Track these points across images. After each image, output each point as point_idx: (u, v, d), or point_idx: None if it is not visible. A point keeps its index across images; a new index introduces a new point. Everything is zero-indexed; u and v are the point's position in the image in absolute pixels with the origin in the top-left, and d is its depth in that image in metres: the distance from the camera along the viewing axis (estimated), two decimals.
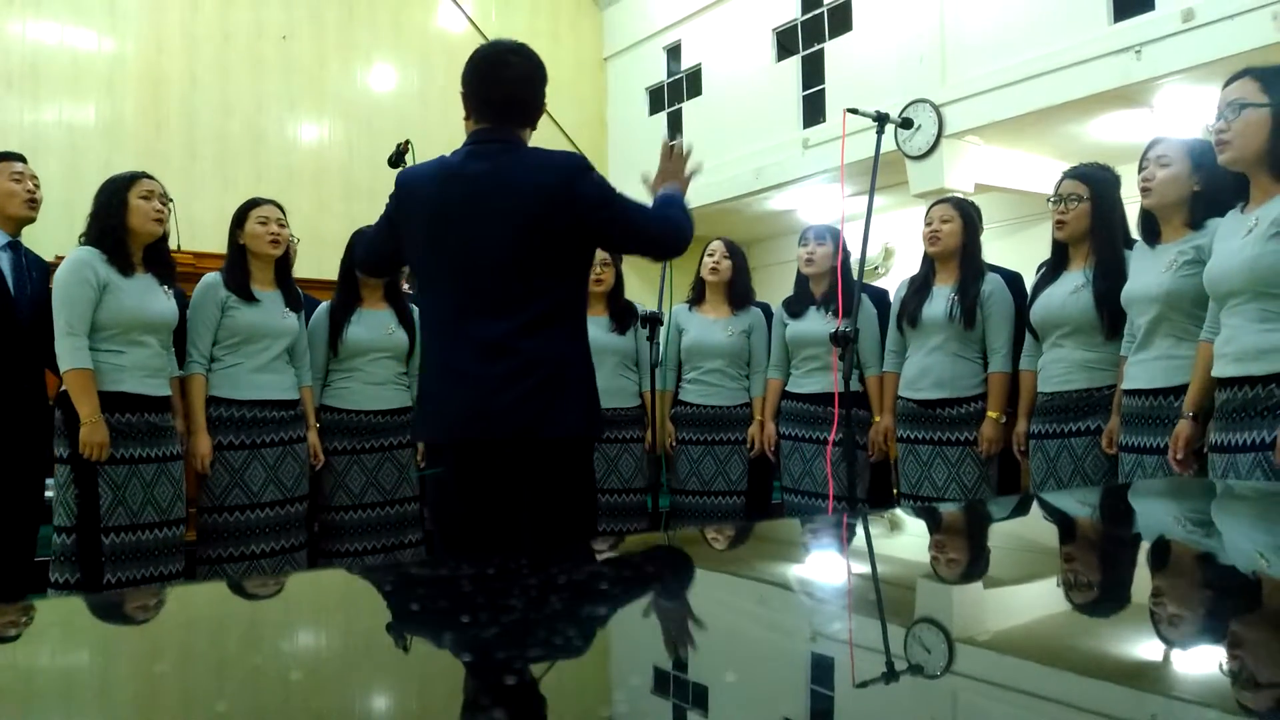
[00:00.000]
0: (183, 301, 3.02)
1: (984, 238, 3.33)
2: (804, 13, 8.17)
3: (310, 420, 3.21)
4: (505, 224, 2.03)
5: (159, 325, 2.81)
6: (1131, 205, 2.74)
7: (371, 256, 2.38)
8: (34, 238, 3.14)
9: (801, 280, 3.60)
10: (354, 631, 0.75)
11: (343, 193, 8.02)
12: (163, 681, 0.60)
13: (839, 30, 7.84)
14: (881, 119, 3.03)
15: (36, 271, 2.97)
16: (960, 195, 5.23)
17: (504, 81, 2.11)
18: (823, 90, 7.92)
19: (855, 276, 3.09)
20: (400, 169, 2.35)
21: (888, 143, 3.54)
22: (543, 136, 2.17)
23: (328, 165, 8.27)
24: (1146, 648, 0.69)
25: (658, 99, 9.71)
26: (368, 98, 8.62)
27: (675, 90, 9.54)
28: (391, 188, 2.22)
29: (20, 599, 2.66)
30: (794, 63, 8.27)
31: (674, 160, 2.32)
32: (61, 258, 2.83)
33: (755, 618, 0.80)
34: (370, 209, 2.44)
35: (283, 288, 3.16)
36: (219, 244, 3.21)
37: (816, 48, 8.07)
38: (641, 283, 6.92)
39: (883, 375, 3.36)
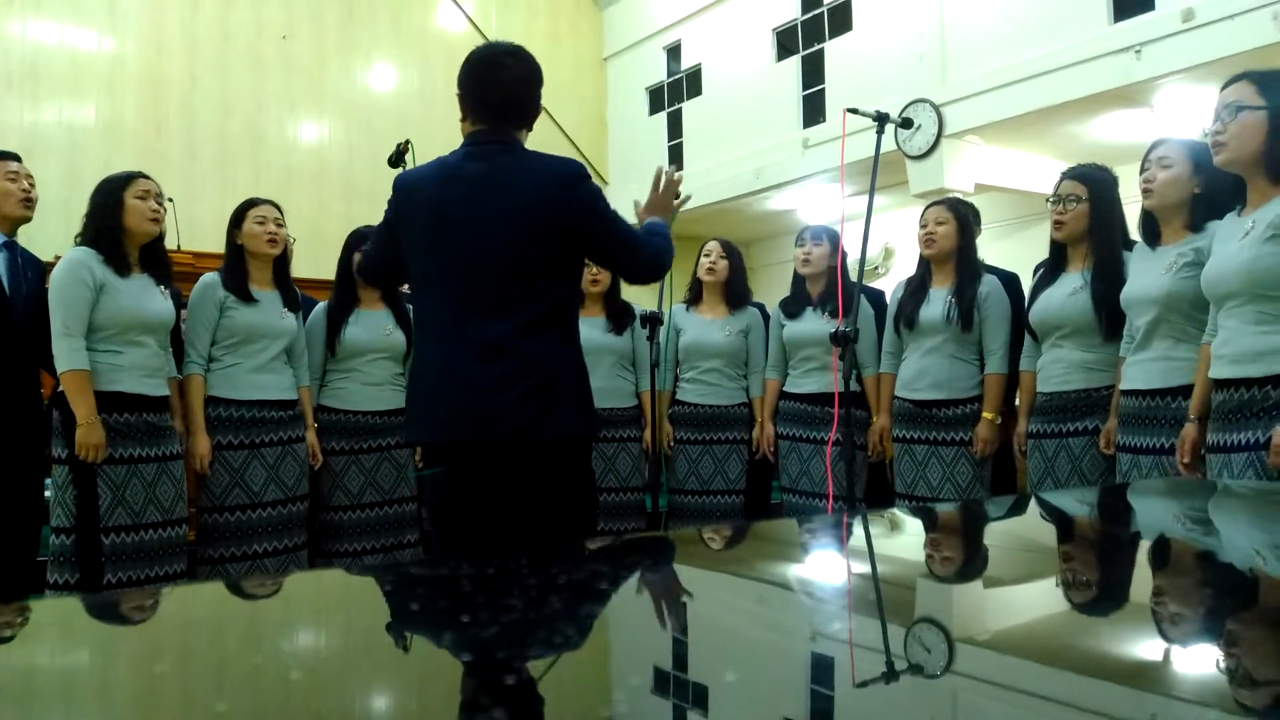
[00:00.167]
0: (180, 302, 3.02)
1: (983, 238, 3.33)
2: (804, 12, 8.17)
3: (309, 420, 3.21)
4: (504, 225, 2.04)
5: (156, 325, 2.81)
6: (1131, 206, 2.74)
7: (376, 264, 2.36)
8: (33, 238, 3.14)
9: (798, 280, 3.60)
10: (354, 631, 0.75)
11: (343, 193, 8.02)
12: (162, 682, 0.60)
13: (839, 30, 7.84)
14: (881, 119, 3.03)
15: (32, 271, 2.97)
16: (959, 195, 5.25)
17: (500, 84, 2.12)
18: (823, 90, 7.92)
19: (855, 277, 3.09)
20: (399, 171, 2.35)
21: (888, 143, 3.54)
22: (542, 136, 2.17)
23: (328, 165, 8.27)
24: (1146, 647, 0.69)
25: (658, 99, 9.71)
26: (368, 98, 8.62)
27: (675, 90, 9.54)
28: (391, 187, 2.23)
29: (20, 600, 2.66)
30: (794, 62, 8.27)
31: (664, 192, 2.36)
32: (60, 258, 2.83)
33: (755, 618, 0.80)
34: (370, 209, 2.45)
35: (281, 288, 3.16)
36: (219, 244, 3.21)
37: (816, 47, 8.08)
38: None
39: (879, 376, 3.36)
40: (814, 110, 8.02)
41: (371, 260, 2.38)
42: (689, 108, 9.29)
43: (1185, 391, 2.42)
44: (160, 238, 2.89)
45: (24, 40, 7.11)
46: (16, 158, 2.96)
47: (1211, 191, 2.41)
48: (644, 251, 2.17)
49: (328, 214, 7.40)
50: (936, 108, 6.66)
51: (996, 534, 1.24)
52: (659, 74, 9.66)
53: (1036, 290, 2.93)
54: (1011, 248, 6.36)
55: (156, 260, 2.87)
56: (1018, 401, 3.13)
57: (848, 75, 7.55)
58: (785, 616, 0.80)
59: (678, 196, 2.38)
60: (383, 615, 0.81)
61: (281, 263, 3.19)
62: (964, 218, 3.21)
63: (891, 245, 8.33)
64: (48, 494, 2.88)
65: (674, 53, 9.50)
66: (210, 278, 3.07)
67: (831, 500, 3.29)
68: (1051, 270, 2.91)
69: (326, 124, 8.43)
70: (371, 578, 1.06)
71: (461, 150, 2.14)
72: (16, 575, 2.83)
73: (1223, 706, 0.54)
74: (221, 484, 3.00)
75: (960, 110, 6.61)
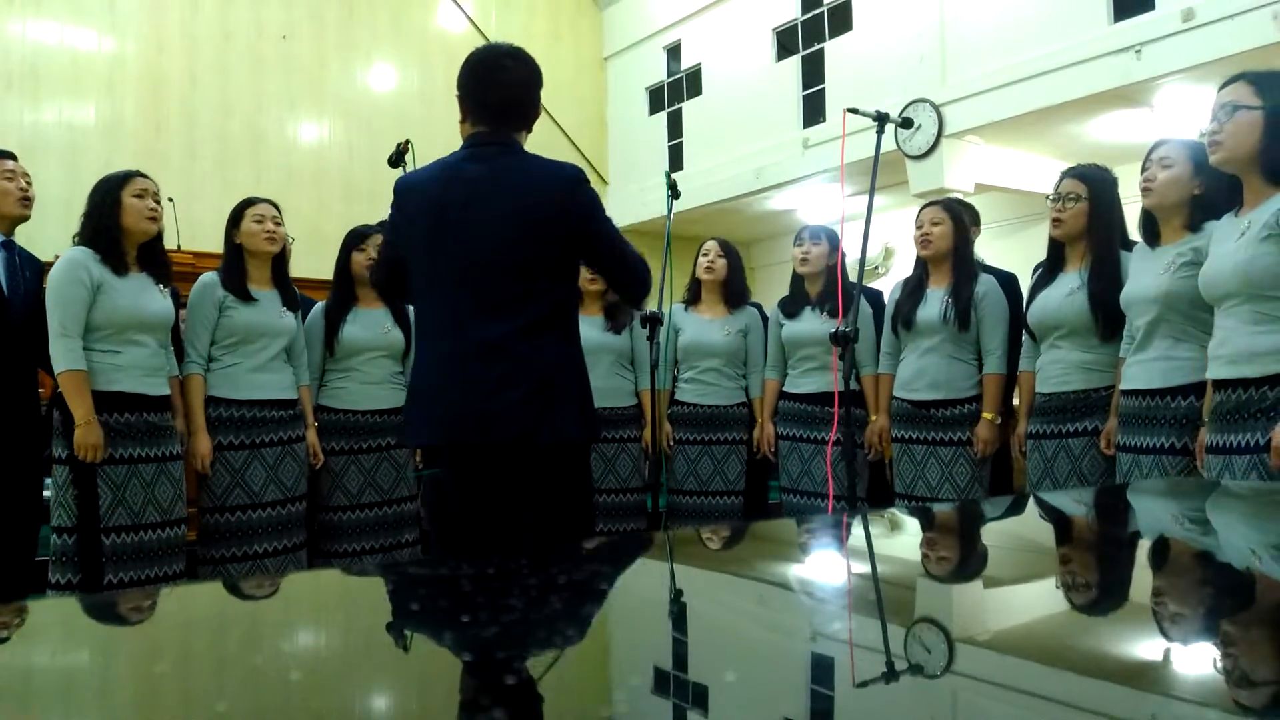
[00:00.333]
0: (180, 301, 3.02)
1: (983, 238, 3.33)
2: (804, 12, 8.17)
3: (309, 419, 3.21)
4: (505, 226, 2.05)
5: (154, 324, 2.81)
6: (1131, 206, 2.74)
7: (385, 272, 2.36)
8: (33, 238, 3.14)
9: (797, 280, 3.60)
10: (354, 631, 0.75)
11: (343, 193, 8.02)
12: (162, 682, 0.60)
13: (839, 30, 7.84)
14: (881, 119, 3.03)
15: (30, 270, 2.96)
16: (959, 195, 5.25)
17: (501, 85, 2.13)
18: (823, 90, 7.92)
19: (855, 277, 3.09)
20: (399, 171, 2.35)
21: (888, 142, 3.54)
22: (542, 136, 2.18)
23: (328, 165, 8.27)
24: (1145, 647, 0.69)
25: (658, 99, 9.71)
26: (368, 98, 8.62)
27: (675, 90, 9.54)
28: (391, 187, 2.23)
29: (19, 600, 2.66)
30: (794, 62, 8.27)
31: None
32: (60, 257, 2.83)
33: (755, 618, 0.80)
34: (370, 209, 2.45)
35: (280, 287, 3.16)
36: (219, 244, 3.20)
37: (816, 47, 8.08)
38: None
39: (878, 376, 3.36)
40: (814, 110, 8.02)
41: (379, 268, 2.40)
42: (689, 108, 9.29)
43: (1185, 391, 2.42)
44: (159, 237, 2.89)
45: (24, 40, 7.11)
46: (12, 156, 2.95)
47: (1211, 193, 2.42)
48: (635, 263, 2.20)
49: (328, 214, 7.39)
50: (936, 108, 6.66)
51: (996, 534, 1.24)
52: (659, 74, 9.65)
53: (1034, 290, 2.93)
54: (1011, 248, 6.37)
55: (155, 259, 2.87)
56: (1016, 401, 3.13)
57: (848, 75, 7.56)
58: (785, 616, 0.80)
59: None
60: (382, 615, 0.81)
61: (280, 262, 3.18)
62: (959, 217, 3.22)
63: (891, 245, 8.33)
64: (46, 494, 2.88)
65: (674, 53, 9.50)
66: (209, 277, 3.07)
67: (832, 500, 3.29)
68: (1049, 270, 2.91)
69: (326, 124, 8.43)
70: (371, 578, 1.06)
71: (462, 152, 2.14)
72: (15, 575, 2.83)
73: (1222, 706, 0.54)
74: (222, 484, 3.00)
75: (960, 110, 6.61)
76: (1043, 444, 2.85)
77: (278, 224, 3.12)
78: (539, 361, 2.04)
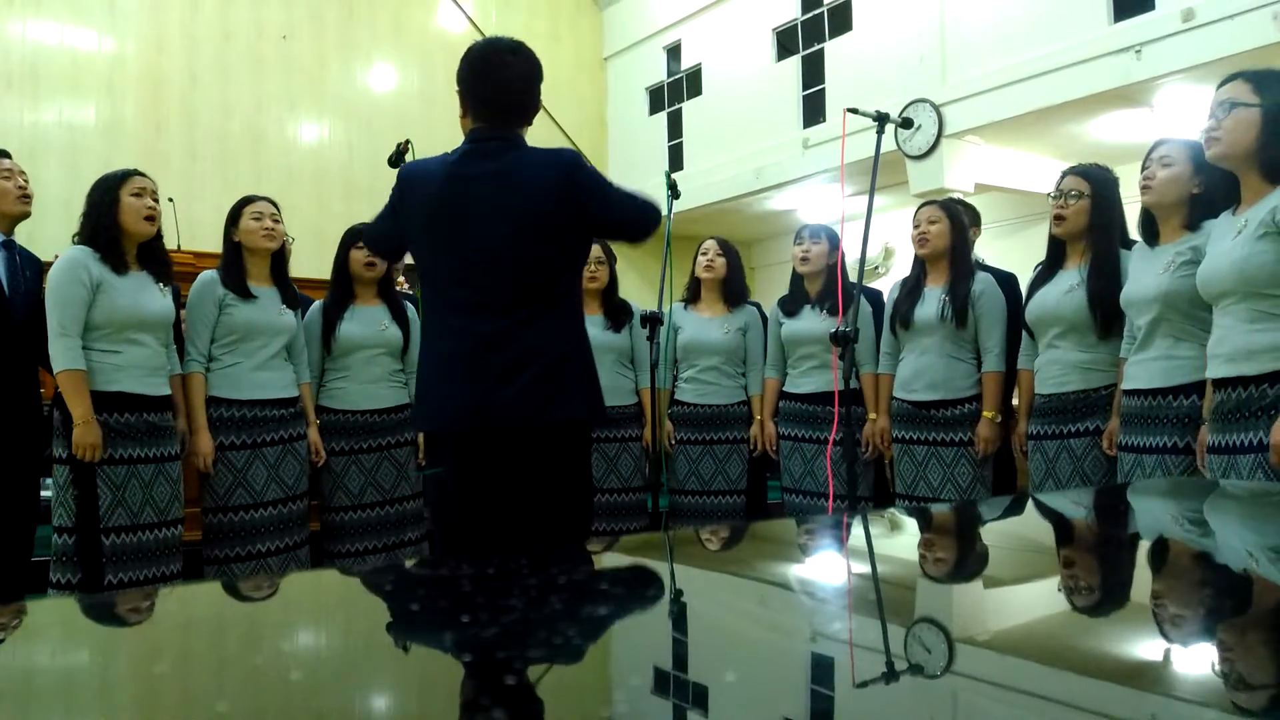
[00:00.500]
0: (180, 300, 3.02)
1: (983, 238, 3.32)
2: (804, 12, 8.18)
3: (310, 417, 3.21)
4: (508, 221, 2.06)
5: (154, 323, 2.81)
6: (1131, 206, 2.74)
7: (379, 236, 2.41)
8: (33, 237, 3.14)
9: (797, 279, 3.61)
10: (354, 631, 0.75)
11: (343, 192, 8.03)
12: (162, 682, 0.60)
13: (839, 30, 7.84)
14: (881, 119, 3.03)
15: (30, 270, 2.96)
16: (960, 195, 5.26)
17: (502, 81, 2.13)
18: (823, 90, 7.93)
19: (855, 277, 3.09)
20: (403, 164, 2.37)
21: (888, 143, 3.54)
22: (542, 136, 2.19)
23: (328, 165, 8.28)
24: (1145, 647, 0.69)
25: (658, 99, 9.71)
26: (368, 98, 8.62)
27: (675, 90, 9.54)
28: (391, 187, 2.24)
29: (19, 600, 2.66)
30: (794, 62, 8.27)
31: None
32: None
33: (755, 618, 0.80)
34: (370, 209, 2.46)
35: (280, 285, 3.16)
36: (219, 244, 3.20)
37: (816, 47, 8.08)
38: (641, 281, 6.93)
39: (877, 376, 3.36)
40: (814, 110, 8.03)
41: (375, 233, 2.43)
42: (689, 108, 9.30)
43: (1187, 390, 2.42)
44: (159, 235, 2.88)
45: (24, 40, 7.12)
46: (6, 155, 2.95)
47: (1210, 192, 2.42)
48: (642, 210, 2.20)
49: (328, 214, 7.39)
50: (936, 108, 6.66)
51: (996, 534, 1.24)
52: (659, 74, 9.66)
53: (1033, 287, 2.93)
54: (1011, 248, 6.37)
55: (155, 258, 2.87)
56: (1015, 400, 3.13)
57: (848, 75, 7.56)
58: (785, 616, 0.80)
59: None
60: (383, 615, 0.81)
61: (280, 261, 3.18)
62: (956, 216, 3.22)
63: (891, 245, 8.33)
64: (45, 494, 2.88)
65: (674, 53, 9.51)
66: (209, 275, 3.07)
67: (832, 500, 3.29)
68: (1048, 268, 2.91)
69: (326, 124, 8.43)
70: (371, 578, 1.06)
71: (463, 147, 2.15)
72: (12, 575, 2.82)
73: (1221, 706, 0.54)
74: (225, 484, 3.00)
75: (960, 110, 6.61)
76: (1044, 445, 2.85)
77: (276, 221, 3.11)
78: (545, 350, 2.06)
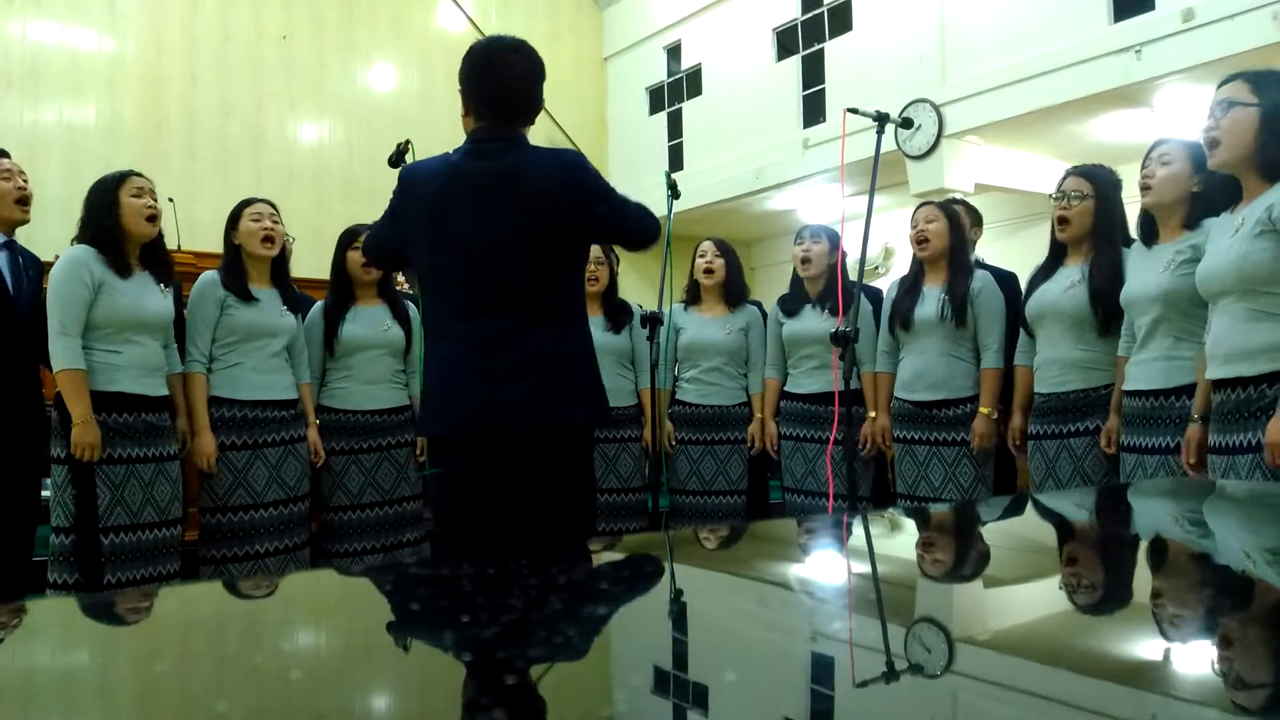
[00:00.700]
0: (182, 299, 3.02)
1: (984, 238, 3.32)
2: (804, 12, 8.18)
3: (310, 418, 3.21)
4: (510, 221, 2.05)
5: (154, 324, 2.81)
6: (1131, 205, 2.74)
7: (377, 247, 2.40)
8: (33, 237, 3.13)
9: (797, 279, 3.61)
10: (354, 631, 0.75)
11: (343, 193, 8.03)
12: (162, 681, 0.60)
13: (839, 30, 7.84)
14: (882, 119, 3.03)
15: (32, 270, 2.97)
16: (960, 195, 5.26)
17: (504, 80, 2.12)
18: (823, 90, 7.93)
19: (855, 277, 3.09)
20: (400, 170, 2.36)
21: (888, 143, 3.54)
22: (542, 136, 2.18)
23: (328, 165, 8.28)
24: (1146, 647, 0.69)
25: (658, 99, 9.71)
26: (368, 98, 8.62)
27: (675, 90, 9.54)
28: (391, 187, 2.23)
29: (18, 599, 2.66)
30: (794, 62, 8.27)
31: None
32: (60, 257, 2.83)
33: (755, 618, 0.80)
34: (370, 209, 2.46)
35: (280, 287, 3.16)
36: (219, 244, 3.20)
37: (816, 47, 8.08)
38: (641, 282, 6.93)
39: (876, 375, 3.36)
40: (814, 110, 8.03)
41: (374, 243, 2.41)
42: (689, 108, 9.30)
43: (1188, 391, 2.42)
44: (159, 235, 2.88)
45: (24, 40, 7.12)
46: (5, 154, 2.94)
47: (1211, 190, 2.42)
48: (645, 219, 2.20)
49: (328, 214, 7.39)
50: (936, 108, 6.66)
51: (995, 534, 1.24)
52: (659, 74, 9.66)
53: (1033, 284, 2.93)
54: (1011, 248, 6.37)
55: (157, 258, 2.87)
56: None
57: (848, 75, 7.56)
58: (785, 616, 0.80)
59: None
60: (383, 615, 0.81)
61: (280, 262, 3.18)
62: (954, 216, 3.23)
63: (891, 245, 8.34)
64: (45, 494, 2.88)
65: (674, 53, 9.51)
66: (210, 275, 3.07)
67: (832, 499, 3.29)
68: (1049, 264, 2.91)
69: (326, 124, 8.43)
70: (371, 578, 1.06)
71: (465, 147, 2.14)
72: (12, 575, 2.82)
73: (1222, 707, 0.54)
74: (225, 484, 3.00)
75: (960, 110, 6.62)
76: (1044, 444, 2.85)
77: (275, 223, 3.11)
78: (547, 353, 2.05)
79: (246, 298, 3.03)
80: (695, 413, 3.65)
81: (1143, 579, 0.94)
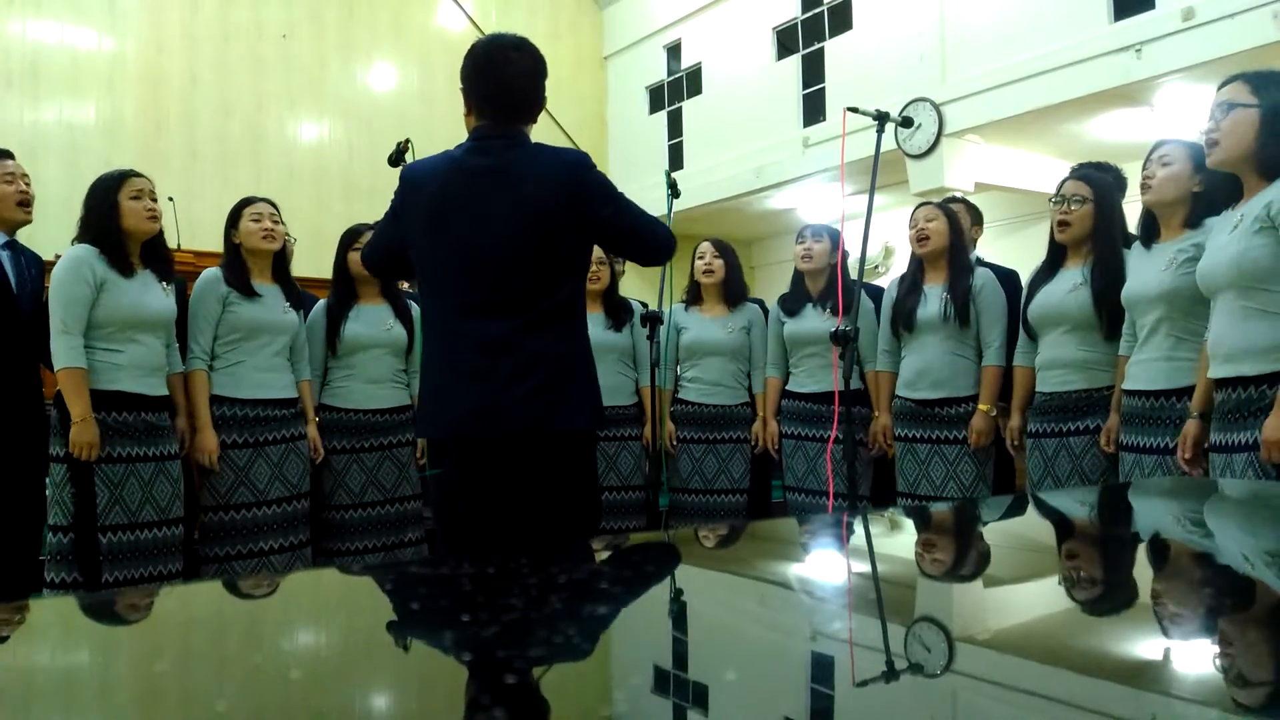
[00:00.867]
0: (182, 297, 3.02)
1: (984, 237, 3.32)
2: (804, 11, 8.18)
3: (310, 415, 3.21)
4: (511, 220, 2.04)
5: (155, 323, 2.80)
6: (1131, 205, 2.74)
7: (376, 252, 2.34)
8: (34, 237, 3.13)
9: (798, 278, 3.61)
10: (354, 631, 0.75)
11: (343, 192, 8.03)
12: (162, 681, 0.60)
13: (839, 29, 7.84)
14: (882, 118, 3.03)
15: (34, 269, 2.97)
16: (960, 194, 5.25)
17: (506, 78, 2.11)
18: (823, 89, 7.93)
19: (855, 276, 3.09)
20: (401, 169, 2.35)
21: (888, 141, 3.54)
22: (542, 135, 2.17)
23: (328, 165, 8.27)
24: (1146, 647, 0.69)
25: (658, 98, 9.71)
26: (368, 97, 8.62)
27: (675, 89, 9.54)
28: (391, 187, 2.22)
29: (19, 599, 2.66)
30: (794, 61, 8.27)
31: None
32: (61, 256, 2.83)
33: (755, 617, 0.80)
34: (370, 209, 2.46)
35: (282, 285, 3.16)
36: (219, 243, 3.20)
37: (817, 46, 8.08)
38: (641, 281, 6.93)
39: (877, 374, 3.36)
40: (814, 109, 8.03)
41: (373, 250, 2.36)
42: (689, 107, 9.30)
43: (1189, 392, 2.42)
44: (160, 233, 2.88)
45: (24, 40, 7.12)
46: (10, 155, 2.94)
47: (1212, 190, 2.42)
48: (656, 232, 2.17)
49: (328, 213, 7.40)
50: (937, 107, 6.66)
51: (995, 533, 1.24)
52: (659, 73, 9.66)
53: (1034, 286, 2.93)
54: (1011, 247, 6.37)
55: (158, 257, 2.87)
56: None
57: (848, 74, 7.56)
58: (785, 616, 0.80)
59: None
60: (383, 615, 0.81)
61: (281, 261, 3.18)
62: (953, 215, 3.23)
63: (892, 244, 8.34)
64: (49, 492, 2.88)
65: (674, 52, 9.51)
66: (212, 273, 3.06)
67: (832, 499, 3.29)
68: (1049, 267, 2.91)
69: (326, 124, 8.43)
70: (371, 577, 1.06)
71: (468, 145, 2.12)
72: (17, 574, 2.83)
73: (1223, 706, 0.54)
74: (226, 482, 3.00)
75: (960, 109, 6.61)
76: (1043, 443, 2.85)
77: (276, 222, 3.11)
78: (547, 355, 2.04)
79: (249, 293, 3.03)
80: (698, 412, 3.65)
81: (1143, 578, 0.94)
